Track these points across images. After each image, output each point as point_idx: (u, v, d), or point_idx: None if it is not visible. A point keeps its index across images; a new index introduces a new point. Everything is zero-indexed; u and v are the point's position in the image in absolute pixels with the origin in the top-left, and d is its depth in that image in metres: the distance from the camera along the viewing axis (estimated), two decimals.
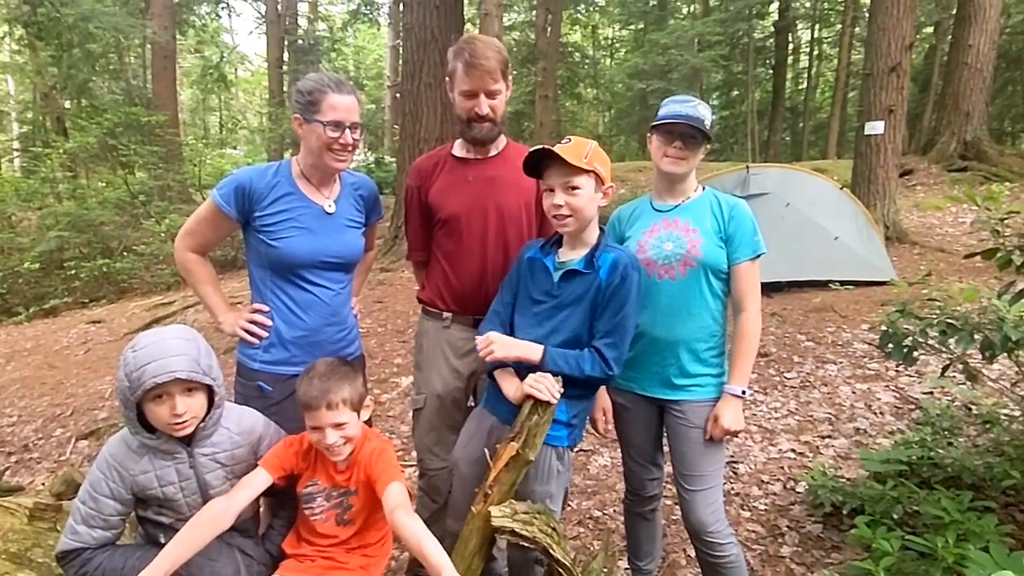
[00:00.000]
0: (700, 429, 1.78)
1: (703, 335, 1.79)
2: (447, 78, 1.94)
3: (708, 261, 1.75)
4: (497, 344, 1.59)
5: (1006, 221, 2.04)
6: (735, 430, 1.75)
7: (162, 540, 1.57)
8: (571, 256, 1.69)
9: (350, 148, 1.82)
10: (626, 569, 2.25)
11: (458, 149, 2.01)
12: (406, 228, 2.13)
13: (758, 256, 1.79)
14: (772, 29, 19.32)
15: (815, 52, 21.20)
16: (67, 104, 13.89)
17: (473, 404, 2.11)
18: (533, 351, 1.59)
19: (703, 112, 1.76)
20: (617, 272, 1.61)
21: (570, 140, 1.64)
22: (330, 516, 1.69)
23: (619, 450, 2.06)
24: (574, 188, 1.61)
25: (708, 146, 1.82)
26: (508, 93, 1.92)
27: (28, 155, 12.50)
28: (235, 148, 22.26)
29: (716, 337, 1.82)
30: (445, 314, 1.99)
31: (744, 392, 1.77)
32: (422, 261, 2.10)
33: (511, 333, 1.73)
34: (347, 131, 1.78)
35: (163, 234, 9.23)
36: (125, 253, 9.77)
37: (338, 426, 1.58)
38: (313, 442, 1.64)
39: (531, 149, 1.66)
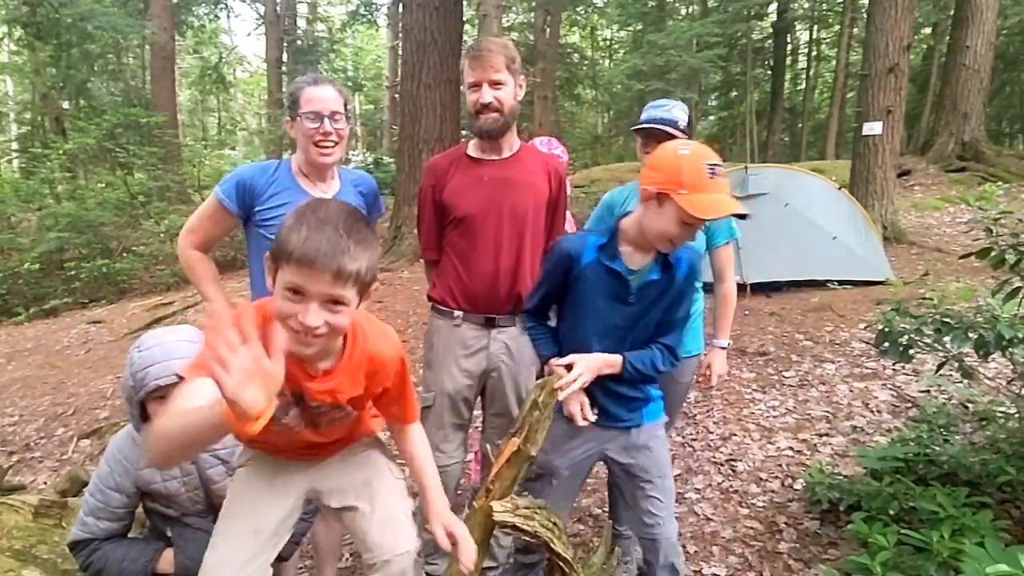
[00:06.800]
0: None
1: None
2: (463, 85, 2.00)
3: (694, 245, 2.02)
4: (585, 372, 1.57)
5: (1000, 220, 2.06)
6: (722, 373, 2.16)
7: (168, 533, 1.59)
8: (638, 261, 1.61)
9: (333, 139, 1.85)
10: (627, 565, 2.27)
11: (472, 149, 2.03)
12: (419, 227, 2.14)
13: (732, 239, 2.14)
14: (771, 30, 19.35)
15: (813, 53, 21.25)
16: (66, 105, 13.90)
17: (482, 402, 2.14)
18: (614, 362, 1.62)
19: (677, 114, 2.00)
20: (692, 275, 1.65)
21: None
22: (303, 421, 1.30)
23: None
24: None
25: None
26: (519, 91, 1.95)
27: (27, 156, 12.51)
28: (234, 149, 22.27)
29: (695, 303, 2.09)
30: (456, 313, 2.00)
31: (728, 344, 2.18)
32: (434, 260, 2.11)
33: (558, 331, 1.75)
34: (326, 120, 1.82)
35: (162, 235, 9.24)
36: (125, 254, 9.76)
37: (333, 303, 1.08)
38: (278, 312, 1.08)
39: None
